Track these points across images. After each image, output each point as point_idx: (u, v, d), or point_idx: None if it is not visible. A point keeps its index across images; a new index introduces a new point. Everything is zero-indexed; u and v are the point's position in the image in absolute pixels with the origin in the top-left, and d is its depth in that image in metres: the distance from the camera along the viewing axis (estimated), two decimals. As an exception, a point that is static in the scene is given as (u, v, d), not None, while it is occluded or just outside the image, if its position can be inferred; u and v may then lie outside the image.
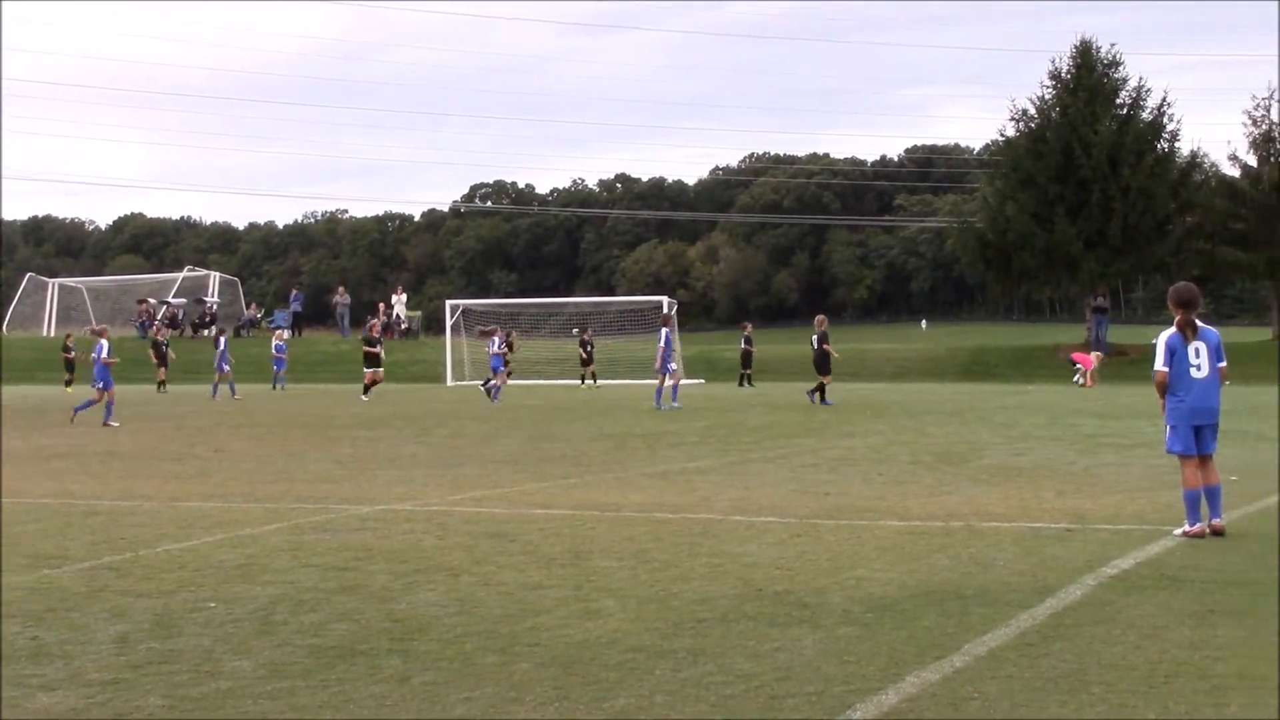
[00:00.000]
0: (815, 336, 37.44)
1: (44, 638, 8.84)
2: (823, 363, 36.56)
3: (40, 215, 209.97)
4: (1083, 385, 46.88)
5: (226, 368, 43.97)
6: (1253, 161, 63.80)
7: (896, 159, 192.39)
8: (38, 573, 11.29)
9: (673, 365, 35.07)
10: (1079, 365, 49.15)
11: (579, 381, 52.06)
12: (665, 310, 46.25)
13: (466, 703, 7.21)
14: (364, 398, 39.68)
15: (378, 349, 42.56)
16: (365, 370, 42.00)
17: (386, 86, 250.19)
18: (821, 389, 35.73)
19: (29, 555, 12.21)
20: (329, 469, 20.05)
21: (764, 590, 10.09)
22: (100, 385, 29.97)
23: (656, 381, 35.51)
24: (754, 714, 6.95)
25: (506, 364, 44.41)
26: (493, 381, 41.31)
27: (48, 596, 10.22)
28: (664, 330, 35.94)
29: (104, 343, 30.47)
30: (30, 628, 9.14)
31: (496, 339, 44.06)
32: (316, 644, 8.56)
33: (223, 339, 46.57)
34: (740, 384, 50.12)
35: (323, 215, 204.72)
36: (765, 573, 10.80)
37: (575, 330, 60.95)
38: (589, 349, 52.60)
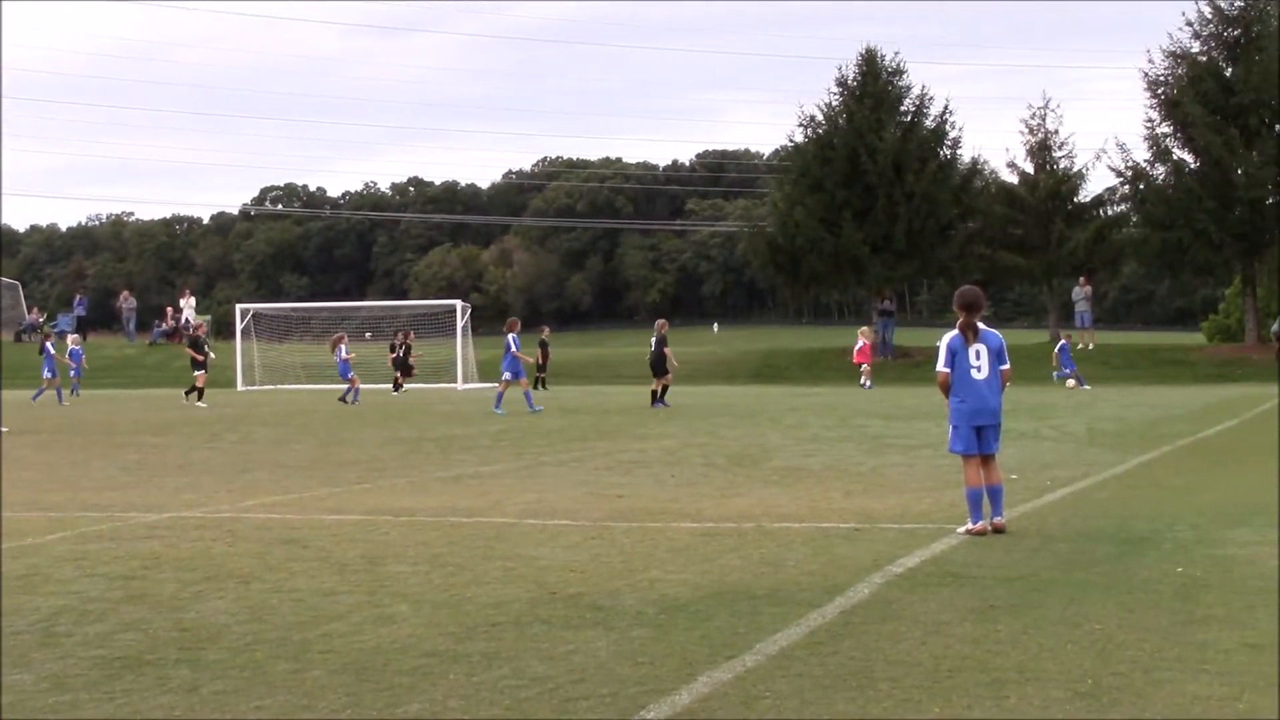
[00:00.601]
0: (655, 339, 38.04)
1: None
2: (659, 365, 37.24)
3: None
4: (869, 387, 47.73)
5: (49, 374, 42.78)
6: (1030, 169, 65.74)
7: (688, 164, 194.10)
8: None
9: (507, 374, 34.38)
10: (864, 366, 49.93)
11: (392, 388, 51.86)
12: (460, 314, 46.15)
13: (258, 711, 7.13)
14: (200, 404, 39.01)
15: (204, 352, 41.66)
16: (196, 374, 40.92)
17: (174, 87, 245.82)
18: (663, 390, 36.95)
19: None
20: (115, 476, 19.63)
21: (558, 593, 10.12)
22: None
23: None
24: (548, 716, 6.97)
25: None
26: (350, 389, 41.41)
27: None
28: (510, 336, 35.09)
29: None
30: None
31: (343, 346, 43.56)
32: (102, 655, 8.39)
33: (49, 344, 45.06)
34: (535, 386, 50.02)
35: (108, 218, 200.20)
36: (559, 575, 10.83)
37: (375, 334, 60.46)
38: (402, 353, 52.25)
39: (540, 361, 49.56)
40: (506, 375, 34.40)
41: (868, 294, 67.86)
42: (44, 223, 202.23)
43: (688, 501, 15.59)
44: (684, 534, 13.07)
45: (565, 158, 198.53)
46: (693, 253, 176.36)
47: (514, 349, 34.12)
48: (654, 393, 36.76)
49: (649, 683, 7.54)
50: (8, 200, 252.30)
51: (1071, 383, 46.03)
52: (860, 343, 50.25)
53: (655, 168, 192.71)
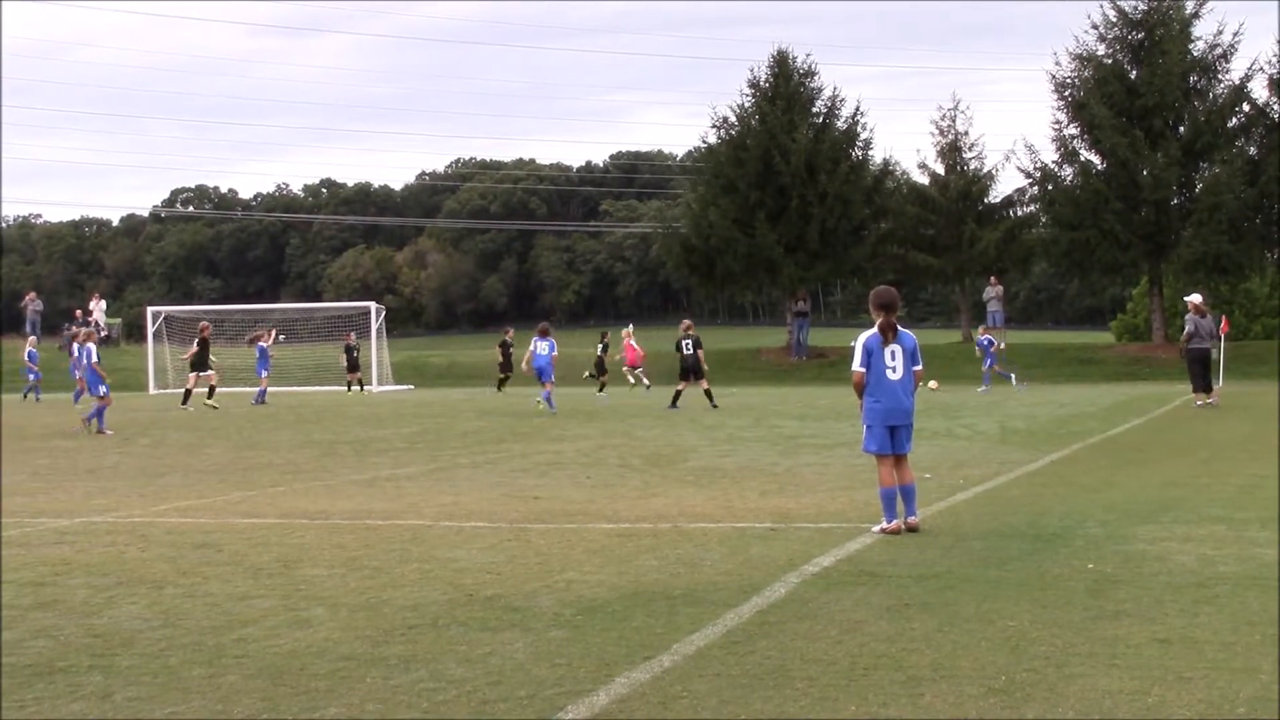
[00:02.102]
0: (690, 340, 36.41)
1: None
2: (697, 366, 36.04)
3: None
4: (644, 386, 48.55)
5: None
6: (940, 170, 66.29)
7: (602, 165, 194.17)
8: None
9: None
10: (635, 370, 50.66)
11: (345, 388, 51.78)
12: (375, 316, 45.83)
13: (173, 716, 7.07)
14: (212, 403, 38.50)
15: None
16: (205, 374, 40.00)
17: (81, 87, 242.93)
18: (709, 392, 35.86)
19: None
20: (24, 481, 19.39)
21: (474, 595, 10.11)
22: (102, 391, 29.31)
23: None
24: (466, 719, 6.97)
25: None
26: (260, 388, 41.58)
27: None
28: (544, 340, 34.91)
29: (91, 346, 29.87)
30: None
31: (263, 343, 43.61)
32: (12, 662, 8.29)
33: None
34: (499, 388, 49.66)
35: (15, 220, 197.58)
36: (475, 578, 10.82)
37: (282, 336, 60.03)
38: (354, 354, 52.21)
39: (501, 362, 49.80)
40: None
41: (782, 294, 68.15)
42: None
43: (604, 503, 15.60)
44: (601, 535, 13.08)
45: (479, 159, 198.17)
46: (607, 254, 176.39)
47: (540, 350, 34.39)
48: (677, 393, 35.78)
49: (567, 684, 7.54)
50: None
51: (1017, 385, 45.47)
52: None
53: (569, 169, 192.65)
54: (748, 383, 53.37)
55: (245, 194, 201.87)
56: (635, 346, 50.88)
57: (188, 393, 39.47)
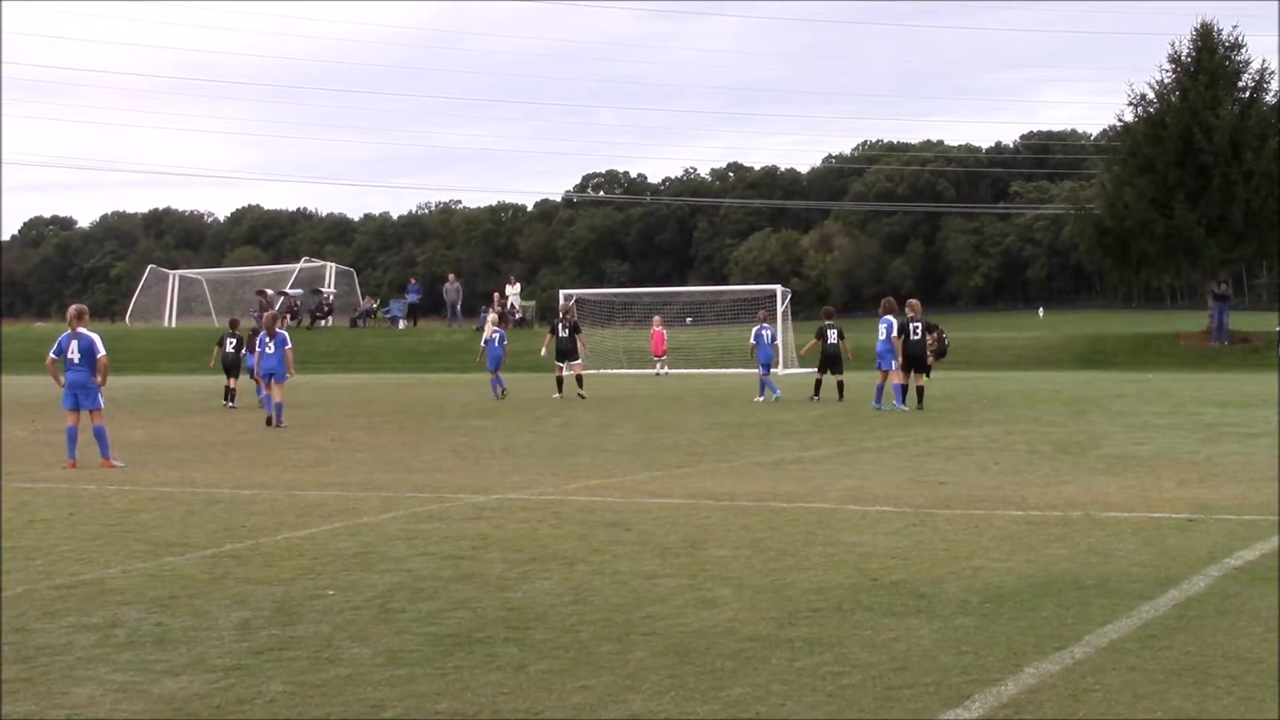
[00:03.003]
0: (836, 329, 33.06)
1: (168, 624, 8.98)
2: (839, 358, 33.04)
3: (161, 208, 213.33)
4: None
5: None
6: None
7: (1012, 145, 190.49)
8: (160, 559, 11.47)
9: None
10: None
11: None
12: (780, 299, 45.66)
13: (583, 691, 7.23)
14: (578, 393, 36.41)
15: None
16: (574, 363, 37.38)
17: (490, 76, 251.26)
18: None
19: (152, 542, 12.41)
20: (444, 458, 20.19)
21: (880, 580, 10.03)
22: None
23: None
24: (870, 704, 6.91)
25: None
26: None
27: (170, 583, 10.38)
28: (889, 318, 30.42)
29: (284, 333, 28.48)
30: (154, 614, 9.29)
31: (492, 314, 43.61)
32: (434, 632, 8.62)
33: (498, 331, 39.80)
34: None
35: (436, 206, 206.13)
36: (881, 562, 10.74)
37: (689, 319, 61.03)
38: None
39: None
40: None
41: (1201, 277, 65.54)
42: (376, 211, 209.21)
43: (1012, 489, 15.30)
44: (1009, 522, 12.83)
45: (885, 141, 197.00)
46: (1016, 236, 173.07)
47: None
48: (818, 383, 33.39)
49: (973, 672, 7.41)
50: (353, 189, 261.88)
51: None
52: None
53: (978, 150, 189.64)
54: (1164, 368, 51.52)
55: (654, 178, 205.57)
56: (663, 336, 52.82)
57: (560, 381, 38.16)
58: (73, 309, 20.41)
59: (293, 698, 7.21)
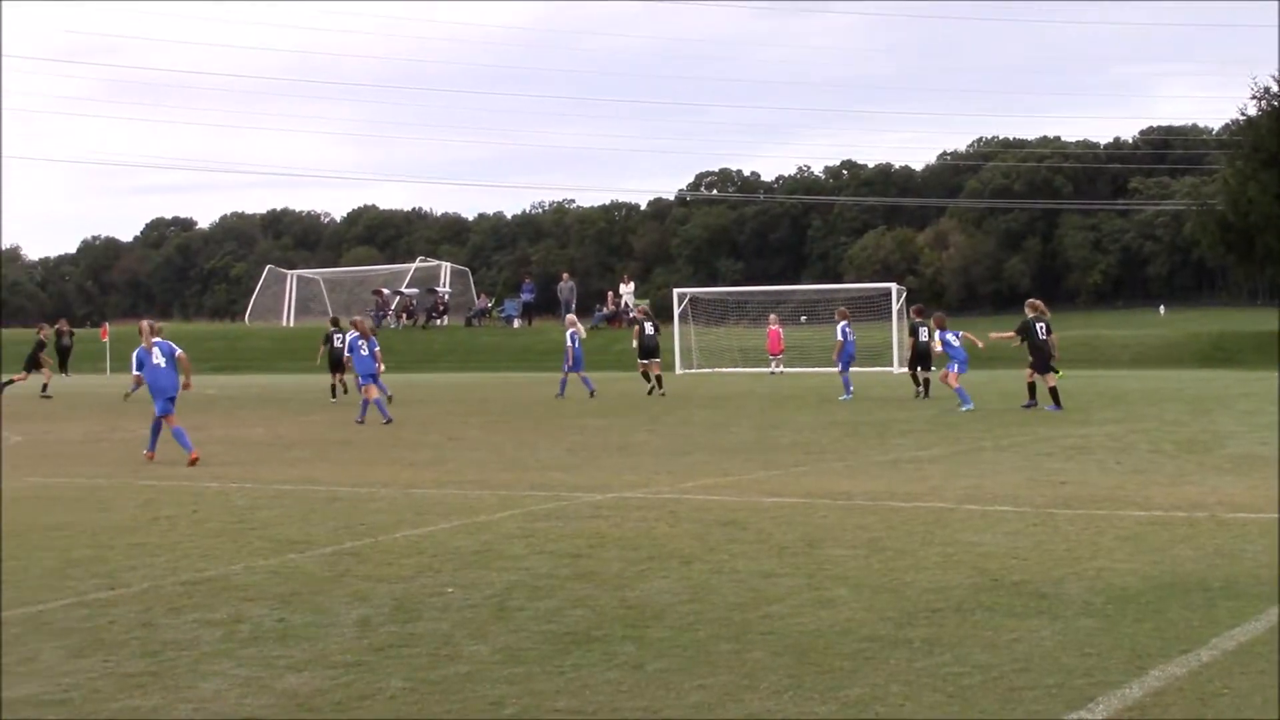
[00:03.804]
0: (1044, 323, 29.63)
1: (290, 620, 9.09)
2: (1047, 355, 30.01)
3: (278, 209, 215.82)
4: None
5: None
6: None
7: (1131, 140, 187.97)
8: (282, 556, 11.61)
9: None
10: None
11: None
12: (895, 297, 45.25)
13: (701, 690, 7.22)
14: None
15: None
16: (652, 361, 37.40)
17: (601, 75, 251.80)
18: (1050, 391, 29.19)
19: (274, 540, 12.56)
20: (559, 456, 20.26)
21: (1000, 580, 9.94)
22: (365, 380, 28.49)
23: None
24: (991, 705, 6.84)
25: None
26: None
27: (292, 580, 10.50)
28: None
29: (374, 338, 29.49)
30: (277, 610, 9.40)
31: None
32: (552, 630, 8.65)
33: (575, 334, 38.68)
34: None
35: (550, 205, 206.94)
36: (1001, 562, 10.63)
37: (803, 318, 60.83)
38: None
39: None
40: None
41: (1331, 274, 64.32)
42: (491, 211, 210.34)
43: (1135, 489, 15.09)
44: (1131, 522, 12.65)
45: (1001, 137, 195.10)
46: (1136, 233, 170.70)
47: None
48: (1049, 389, 29.52)
49: (1097, 674, 7.31)
50: (467, 188, 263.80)
51: None
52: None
53: (1095, 146, 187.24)
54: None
55: (767, 176, 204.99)
56: (779, 334, 52.57)
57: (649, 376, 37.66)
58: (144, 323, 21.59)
59: (412, 694, 7.26)
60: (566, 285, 70.89)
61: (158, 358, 20.35)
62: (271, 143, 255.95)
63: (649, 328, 38.17)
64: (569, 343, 36.73)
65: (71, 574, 10.98)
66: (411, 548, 11.94)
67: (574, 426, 26.21)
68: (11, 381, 39.69)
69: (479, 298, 77.45)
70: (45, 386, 40.12)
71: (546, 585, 10.09)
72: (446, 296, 72.24)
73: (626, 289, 71.08)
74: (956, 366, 29.87)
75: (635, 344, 38.35)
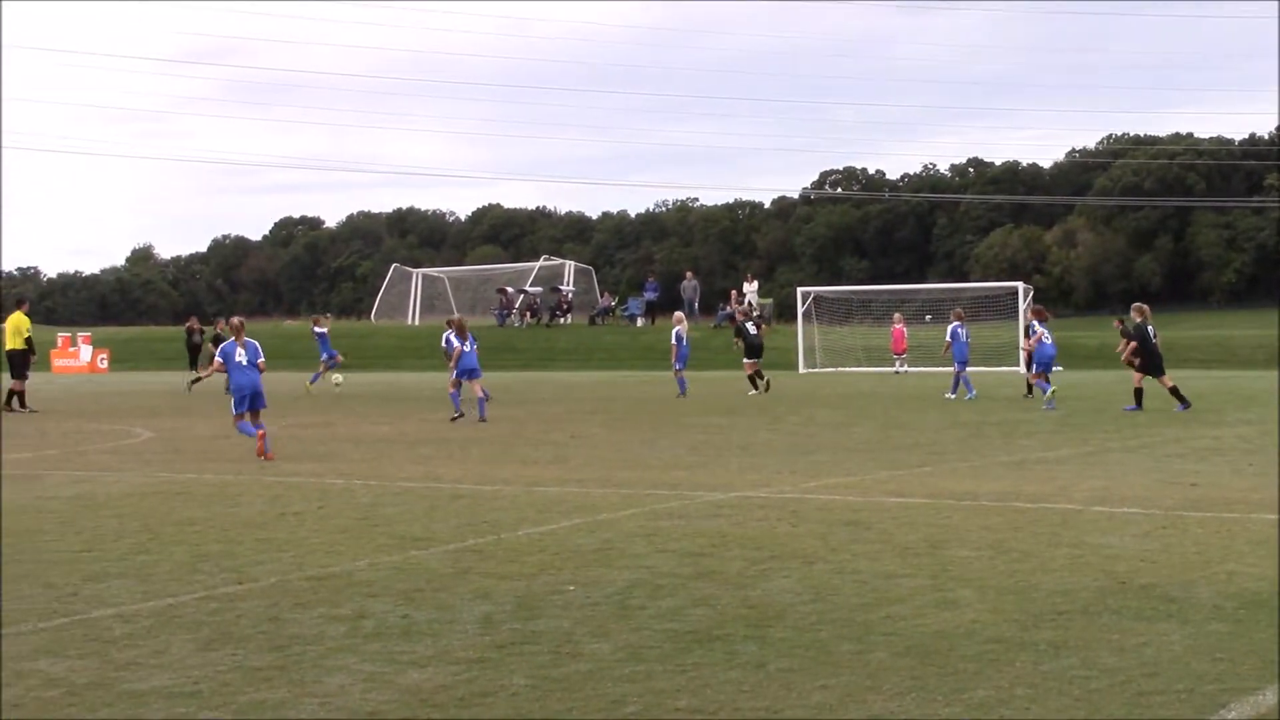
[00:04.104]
0: (1151, 326, 29.47)
1: (413, 616, 9.16)
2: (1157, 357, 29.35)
3: (404, 207, 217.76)
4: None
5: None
6: None
7: (1267, 136, 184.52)
8: (405, 553, 11.70)
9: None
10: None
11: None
12: (1022, 296, 44.84)
13: (823, 690, 7.18)
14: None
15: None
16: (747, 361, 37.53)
17: (724, 74, 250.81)
18: (1174, 389, 28.59)
19: (397, 536, 12.67)
20: (682, 455, 20.26)
21: (1128, 583, 9.79)
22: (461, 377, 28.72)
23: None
24: (1120, 710, 6.74)
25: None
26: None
27: (415, 576, 10.58)
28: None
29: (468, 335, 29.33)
30: (400, 606, 9.47)
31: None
32: (673, 629, 8.65)
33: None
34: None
35: (674, 204, 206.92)
36: (1129, 565, 10.48)
37: (928, 317, 60.40)
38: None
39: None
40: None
41: None
42: (614, 209, 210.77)
43: (1268, 491, 14.80)
44: (1264, 526, 12.41)
45: (1132, 134, 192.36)
46: (1272, 230, 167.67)
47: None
48: (1170, 389, 28.60)
49: (1228, 680, 7.19)
50: (591, 187, 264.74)
51: None
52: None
53: (1230, 142, 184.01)
54: None
55: (893, 174, 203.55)
56: (903, 333, 52.96)
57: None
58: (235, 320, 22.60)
59: (534, 691, 7.29)
60: (690, 284, 70.88)
61: (240, 356, 20.78)
62: (397, 142, 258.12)
63: (752, 328, 38.38)
64: (674, 340, 36.99)
65: (201, 568, 11.15)
66: (533, 545, 11.99)
67: (696, 425, 26.19)
68: (199, 379, 39.84)
69: (602, 296, 77.66)
70: (197, 380, 40.44)
71: (668, 584, 10.09)
72: (570, 295, 72.58)
73: (750, 288, 70.96)
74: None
75: (739, 344, 38.41)
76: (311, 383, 39.52)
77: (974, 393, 33.62)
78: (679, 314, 42.70)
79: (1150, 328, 29.20)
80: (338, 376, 34.89)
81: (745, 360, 37.74)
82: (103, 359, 70.53)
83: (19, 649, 8.47)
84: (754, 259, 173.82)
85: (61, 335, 74.14)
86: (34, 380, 34.82)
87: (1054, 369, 32.25)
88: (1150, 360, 28.76)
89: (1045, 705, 6.84)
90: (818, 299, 61.85)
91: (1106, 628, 8.44)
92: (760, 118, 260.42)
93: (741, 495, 15.27)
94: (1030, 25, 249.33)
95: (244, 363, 20.90)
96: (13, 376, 33.41)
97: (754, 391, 36.59)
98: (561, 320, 70.62)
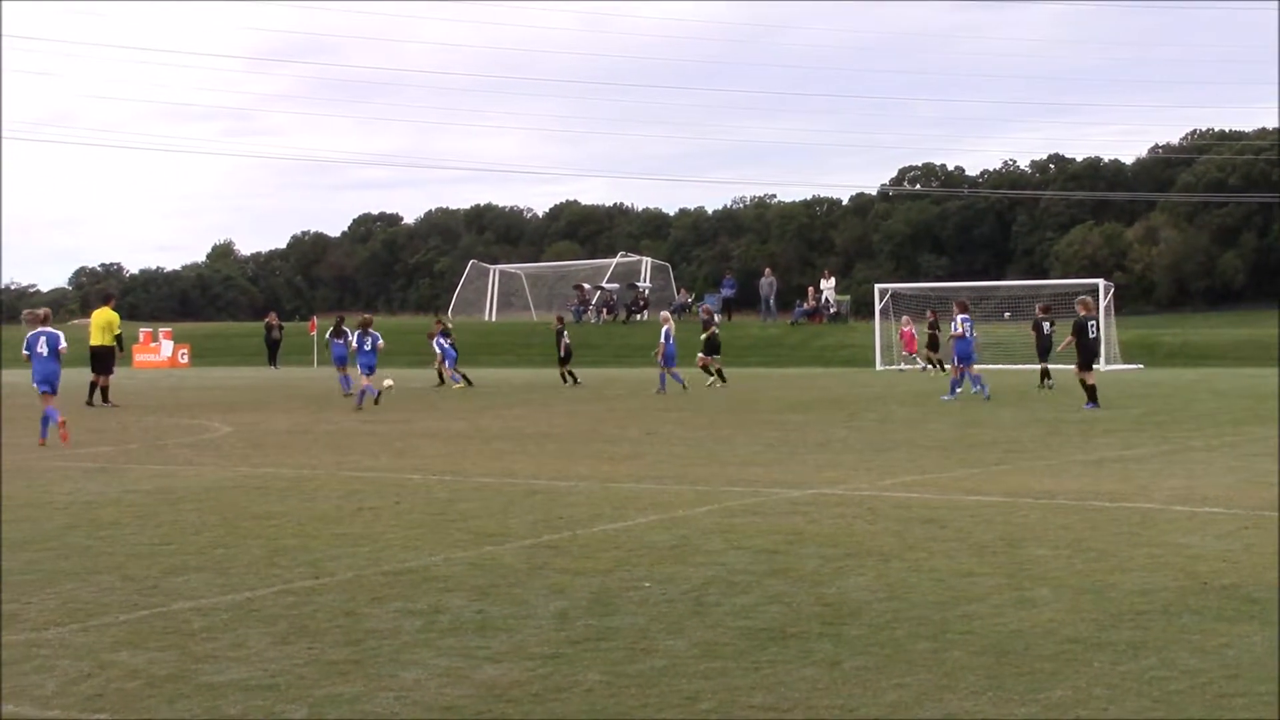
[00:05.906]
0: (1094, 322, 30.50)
1: (489, 611, 9.18)
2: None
3: (482, 204, 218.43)
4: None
5: None
6: None
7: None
8: (481, 549, 11.74)
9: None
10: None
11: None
12: (1103, 293, 44.44)
13: (898, 689, 7.15)
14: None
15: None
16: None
17: (801, 70, 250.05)
18: None
19: (473, 532, 12.71)
20: (758, 452, 20.22)
21: (1209, 584, 9.68)
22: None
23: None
24: (1199, 711, 6.67)
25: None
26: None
27: (491, 572, 10.61)
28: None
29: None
30: (476, 601, 9.51)
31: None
32: (748, 626, 8.63)
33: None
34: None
35: (751, 200, 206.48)
36: (1210, 565, 10.36)
37: (1007, 314, 59.97)
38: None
39: None
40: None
41: None
42: (691, 206, 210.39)
43: (1352, 492, 14.59)
44: (1348, 526, 12.23)
45: (1216, 130, 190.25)
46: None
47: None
48: (1090, 389, 29.26)
49: (1311, 684, 7.08)
50: (668, 184, 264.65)
51: None
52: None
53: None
54: None
55: (972, 171, 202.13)
56: (914, 334, 53.06)
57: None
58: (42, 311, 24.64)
59: (609, 688, 7.29)
60: (767, 281, 70.70)
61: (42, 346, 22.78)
62: (475, 139, 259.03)
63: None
64: (662, 339, 38.03)
65: (278, 562, 11.24)
66: (609, 541, 12.00)
67: (772, 422, 26.13)
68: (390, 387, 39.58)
69: (679, 293, 77.54)
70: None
71: (743, 581, 10.07)
72: (647, 291, 72.53)
73: (827, 284, 70.72)
74: None
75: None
76: (456, 383, 41.19)
77: (985, 390, 33.32)
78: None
79: (1092, 323, 30.32)
80: (388, 381, 35.03)
81: (701, 355, 40.87)
82: (183, 354, 71.30)
83: (100, 640, 8.57)
84: (831, 255, 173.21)
85: (143, 330, 74.96)
86: (116, 375, 35.16)
87: (974, 362, 33.58)
88: (1082, 354, 29.72)
89: (1123, 706, 6.78)
90: (895, 295, 61.52)
91: (1186, 628, 8.35)
92: (839, 114, 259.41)
93: (817, 492, 15.23)
94: (1113, 19, 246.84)
95: (44, 353, 22.73)
96: (94, 371, 33.78)
97: (711, 382, 39.29)
98: (638, 317, 70.60)
